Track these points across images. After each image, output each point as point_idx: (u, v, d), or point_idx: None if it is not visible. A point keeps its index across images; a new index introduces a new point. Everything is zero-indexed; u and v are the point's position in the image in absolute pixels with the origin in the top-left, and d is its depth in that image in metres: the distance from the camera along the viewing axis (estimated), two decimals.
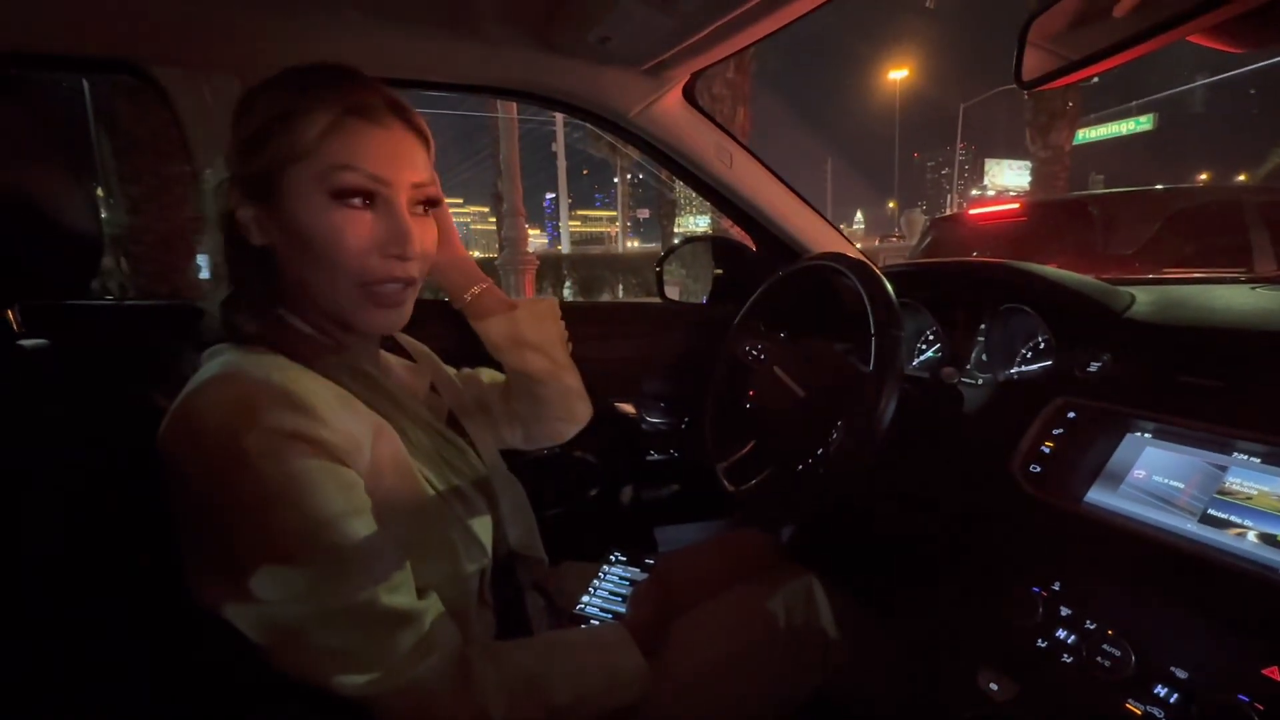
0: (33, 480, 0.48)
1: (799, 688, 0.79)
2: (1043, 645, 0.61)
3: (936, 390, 0.92)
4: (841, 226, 1.38)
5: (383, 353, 0.72)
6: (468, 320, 0.82)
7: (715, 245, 1.42)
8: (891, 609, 0.90)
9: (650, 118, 1.18)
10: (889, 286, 0.80)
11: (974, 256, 3.56)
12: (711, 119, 1.23)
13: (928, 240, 4.19)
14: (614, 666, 0.65)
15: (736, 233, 1.42)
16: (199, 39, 0.88)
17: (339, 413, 0.55)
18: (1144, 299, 0.83)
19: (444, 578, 0.61)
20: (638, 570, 0.97)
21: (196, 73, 0.90)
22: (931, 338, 1.08)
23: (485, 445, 0.79)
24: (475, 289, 0.80)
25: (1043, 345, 0.89)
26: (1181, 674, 0.52)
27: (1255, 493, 0.57)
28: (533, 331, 0.80)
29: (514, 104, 5.89)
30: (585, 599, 0.90)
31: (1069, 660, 0.59)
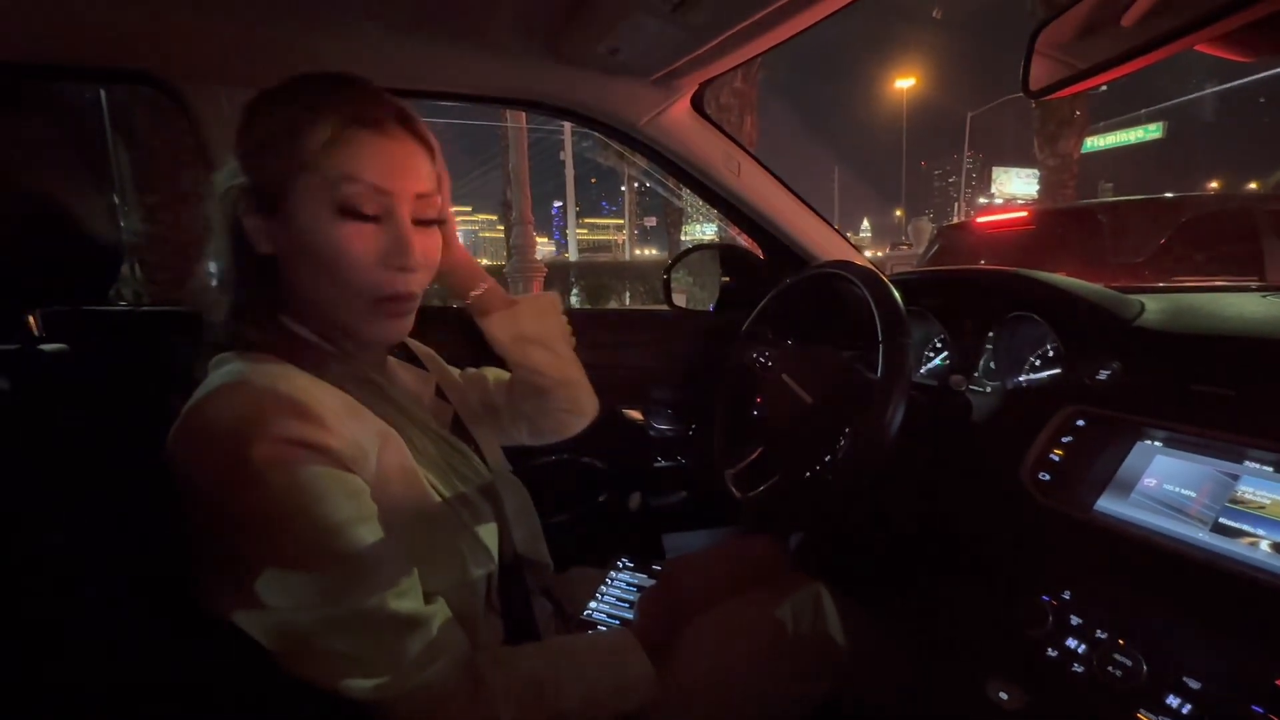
0: (49, 482, 0.48)
1: (806, 696, 0.79)
2: (1053, 655, 0.60)
3: (945, 398, 0.91)
4: (848, 235, 1.39)
5: (389, 359, 0.73)
6: (473, 318, 0.82)
7: (722, 253, 1.42)
8: (899, 617, 0.89)
9: (659, 127, 1.19)
10: (897, 294, 0.80)
11: (982, 264, 3.55)
12: (719, 128, 1.24)
13: (935, 248, 4.18)
14: (621, 672, 0.65)
15: (744, 241, 1.42)
16: (217, 51, 0.90)
17: (346, 421, 0.55)
18: (1154, 307, 0.83)
19: (450, 583, 0.61)
20: (645, 576, 0.97)
21: (215, 84, 0.92)
22: (939, 346, 1.08)
23: (491, 450, 0.79)
24: (478, 289, 0.80)
25: (1051, 353, 0.89)
26: (1194, 684, 0.52)
27: (1268, 501, 0.57)
28: (534, 326, 0.81)
29: (523, 113, 5.94)
30: (593, 605, 0.90)
31: (1079, 670, 0.58)
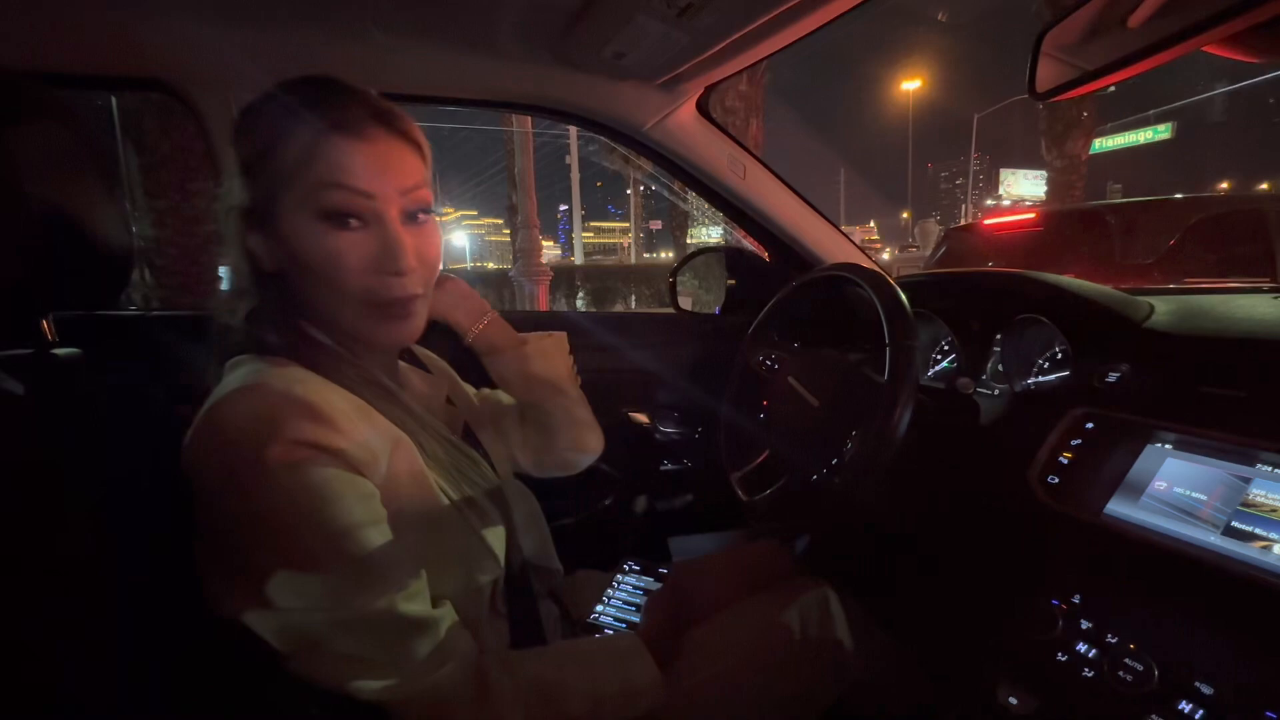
0: (63, 487, 0.49)
1: (814, 700, 0.78)
2: (1063, 659, 0.60)
3: (952, 401, 0.91)
4: (858, 228, 1.38)
5: (401, 364, 0.73)
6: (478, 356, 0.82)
7: (728, 256, 1.42)
8: (908, 621, 0.89)
9: (664, 131, 1.19)
10: (903, 296, 0.80)
11: (989, 266, 3.53)
12: (725, 131, 1.24)
13: (942, 250, 4.17)
14: (628, 676, 0.65)
15: (750, 244, 1.42)
16: (228, 58, 0.91)
17: (358, 424, 0.55)
18: (1163, 309, 0.83)
19: (457, 587, 0.62)
20: (652, 580, 0.97)
21: (226, 91, 0.93)
22: (947, 348, 1.08)
23: (499, 457, 0.80)
24: (481, 322, 0.79)
25: (1060, 355, 0.89)
26: (1207, 690, 0.51)
27: None
28: (541, 368, 0.80)
29: (528, 117, 5.96)
30: (599, 609, 0.90)
31: (1090, 674, 0.58)
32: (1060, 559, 0.68)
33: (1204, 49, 0.41)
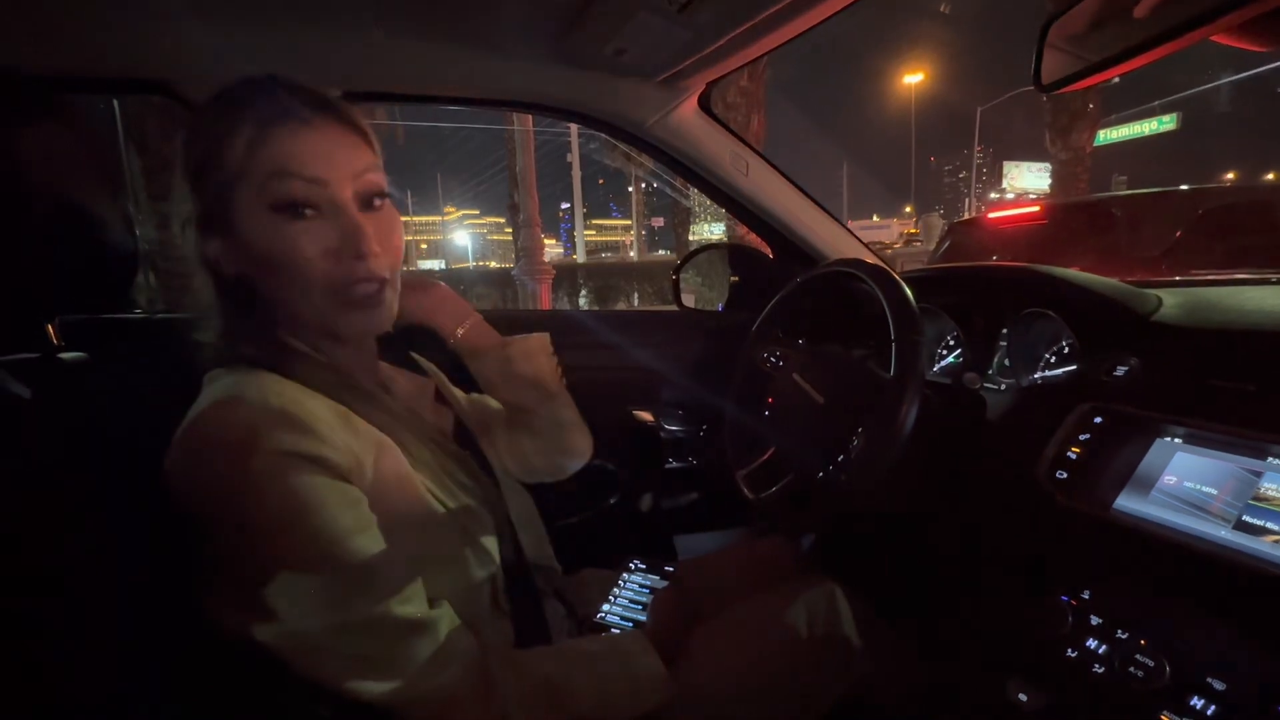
0: (70, 490, 0.49)
1: (821, 698, 0.78)
2: (1073, 655, 0.60)
3: (959, 396, 0.90)
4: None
5: (384, 365, 0.73)
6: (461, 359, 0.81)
7: (731, 252, 1.42)
8: (915, 618, 0.89)
9: (666, 127, 1.19)
10: (908, 292, 0.80)
11: (994, 260, 3.51)
12: (727, 127, 1.24)
13: (946, 245, 4.14)
14: (635, 675, 0.65)
15: (753, 240, 1.42)
16: (230, 61, 0.90)
17: (339, 431, 0.55)
18: (1171, 301, 0.82)
19: (453, 588, 0.61)
20: (658, 578, 0.97)
21: None
22: (952, 343, 1.07)
23: (492, 454, 0.79)
24: (464, 325, 0.78)
25: (1067, 350, 0.88)
26: (1219, 685, 0.51)
27: None
28: (524, 368, 0.79)
29: (529, 116, 5.96)
30: (605, 607, 0.90)
31: (1100, 671, 0.57)
32: (1069, 555, 0.67)
33: (1212, 38, 0.40)
